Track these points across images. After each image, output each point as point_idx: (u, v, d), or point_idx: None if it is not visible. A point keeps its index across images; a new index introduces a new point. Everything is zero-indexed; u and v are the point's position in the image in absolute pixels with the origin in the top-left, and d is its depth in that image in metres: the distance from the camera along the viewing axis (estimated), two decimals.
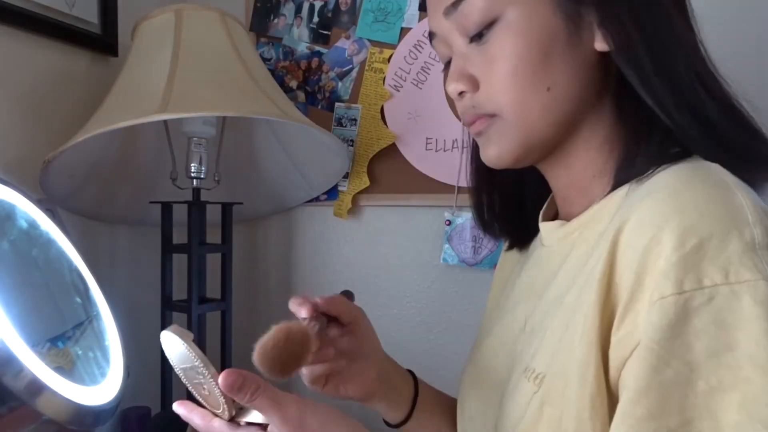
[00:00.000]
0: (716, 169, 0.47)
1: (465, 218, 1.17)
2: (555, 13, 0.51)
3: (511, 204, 0.67)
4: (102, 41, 1.14)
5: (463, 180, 1.18)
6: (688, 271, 0.41)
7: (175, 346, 0.50)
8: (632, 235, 0.44)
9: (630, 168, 0.51)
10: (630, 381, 0.42)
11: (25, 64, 1.00)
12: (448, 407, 0.73)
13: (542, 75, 0.52)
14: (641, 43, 0.49)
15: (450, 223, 1.18)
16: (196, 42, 1.02)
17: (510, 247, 0.71)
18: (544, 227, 0.61)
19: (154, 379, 1.12)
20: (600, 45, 0.51)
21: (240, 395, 0.47)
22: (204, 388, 0.49)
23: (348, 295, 0.70)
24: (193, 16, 1.04)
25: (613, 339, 0.44)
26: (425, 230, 1.22)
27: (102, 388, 0.59)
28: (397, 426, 0.72)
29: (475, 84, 0.55)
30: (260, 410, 0.48)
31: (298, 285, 1.34)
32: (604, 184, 0.55)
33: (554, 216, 0.63)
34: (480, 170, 0.67)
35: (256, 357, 0.50)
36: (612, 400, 0.44)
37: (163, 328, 1.12)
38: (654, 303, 0.41)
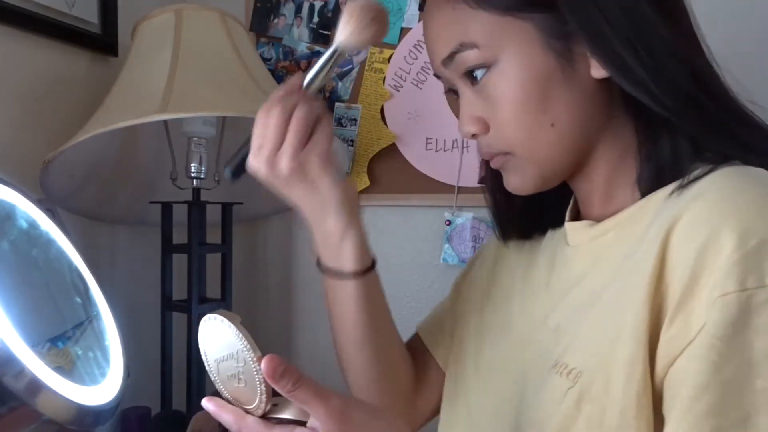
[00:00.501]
0: (765, 172, 0.48)
1: (465, 218, 1.17)
2: (546, 52, 0.53)
3: (533, 202, 0.66)
4: (102, 41, 1.14)
5: (464, 180, 1.18)
6: (750, 270, 0.41)
7: (218, 331, 0.47)
8: (686, 234, 0.45)
9: (659, 172, 0.53)
10: (689, 377, 0.42)
11: (25, 64, 1.00)
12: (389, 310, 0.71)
13: (544, 113, 0.53)
14: (635, 62, 0.50)
15: (450, 223, 1.18)
16: (196, 42, 1.02)
17: (506, 240, 0.70)
18: (572, 227, 0.61)
19: (154, 379, 1.12)
20: (596, 72, 0.53)
21: (282, 383, 0.44)
22: (240, 379, 0.47)
23: None
24: (193, 16, 1.04)
25: (664, 336, 0.45)
26: (425, 230, 1.22)
27: (102, 388, 0.59)
28: (359, 273, 0.64)
29: (485, 126, 0.57)
30: (303, 402, 0.45)
31: (298, 285, 1.34)
32: (629, 190, 0.56)
33: (576, 215, 0.63)
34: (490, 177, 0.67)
35: None
36: (656, 397, 0.45)
37: (163, 328, 1.13)
38: (715, 300, 0.42)
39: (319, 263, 0.66)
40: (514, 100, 0.54)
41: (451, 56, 0.56)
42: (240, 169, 0.61)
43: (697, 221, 0.45)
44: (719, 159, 0.50)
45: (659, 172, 0.53)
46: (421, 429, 0.76)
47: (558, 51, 0.52)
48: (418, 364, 0.75)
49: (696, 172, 0.49)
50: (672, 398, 0.44)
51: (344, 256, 0.63)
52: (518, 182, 0.58)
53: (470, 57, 0.54)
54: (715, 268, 0.42)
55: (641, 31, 0.51)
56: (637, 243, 0.50)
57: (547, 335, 0.57)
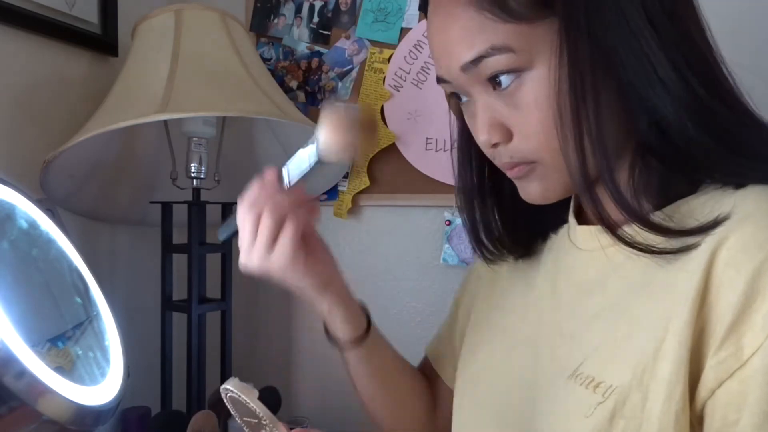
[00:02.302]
0: None
1: None
2: (582, 58, 0.50)
3: (517, 213, 0.65)
4: (102, 41, 1.14)
5: None
6: None
7: (237, 401, 0.52)
8: (736, 256, 0.44)
9: (675, 184, 0.52)
10: (748, 405, 0.43)
11: (25, 64, 1.00)
12: (399, 357, 0.76)
13: (578, 121, 0.51)
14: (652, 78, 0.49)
15: (450, 223, 1.18)
16: (196, 42, 1.02)
17: (489, 261, 0.68)
18: (583, 231, 0.59)
19: (154, 379, 1.12)
20: (614, 82, 0.51)
21: None
22: None
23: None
24: (193, 16, 1.04)
25: (712, 360, 0.44)
26: (425, 230, 1.22)
27: (102, 388, 0.59)
28: (353, 343, 0.70)
29: (508, 134, 0.54)
30: None
31: None
32: (649, 199, 0.54)
33: (578, 216, 0.62)
34: (478, 185, 0.65)
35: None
36: (694, 417, 0.45)
37: (163, 328, 1.13)
38: None
39: (326, 335, 0.73)
40: (549, 107, 0.51)
41: (477, 60, 0.52)
42: (230, 237, 0.70)
43: (748, 244, 0.44)
44: (736, 175, 0.49)
45: (675, 183, 0.52)
46: None
47: (590, 58, 0.51)
48: (432, 385, 0.78)
49: (725, 189, 0.49)
50: (722, 420, 0.44)
51: (336, 332, 0.70)
52: (540, 191, 0.56)
53: (501, 62, 0.52)
54: None
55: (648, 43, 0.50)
56: (671, 257, 0.49)
57: (561, 342, 0.56)
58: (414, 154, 1.21)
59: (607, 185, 0.52)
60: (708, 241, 0.46)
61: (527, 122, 0.53)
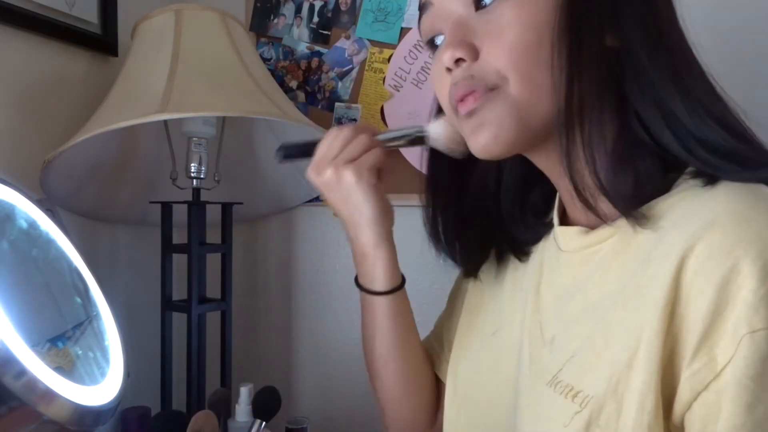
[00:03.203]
0: None
1: None
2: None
3: (491, 214, 0.66)
4: (102, 41, 1.14)
5: None
6: None
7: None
8: (704, 264, 0.43)
9: (650, 182, 0.50)
10: (723, 418, 0.41)
11: (25, 64, 1.00)
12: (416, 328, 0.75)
13: (550, 52, 0.49)
14: (647, 44, 0.49)
15: None
16: (196, 42, 1.02)
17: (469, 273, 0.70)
18: (562, 231, 0.58)
19: (154, 379, 1.12)
20: (610, 41, 0.50)
21: None
22: None
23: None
24: (193, 16, 1.04)
25: (687, 371, 0.43)
26: (425, 230, 1.22)
27: (102, 388, 0.59)
28: (387, 292, 0.70)
29: (475, 52, 0.51)
30: None
31: (298, 285, 1.34)
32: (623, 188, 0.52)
33: (562, 217, 0.60)
34: (445, 183, 0.68)
35: None
36: (674, 429, 0.44)
37: (163, 328, 1.14)
38: (742, 337, 0.41)
39: (356, 279, 0.71)
40: (530, 27, 0.49)
41: None
42: (291, 155, 0.69)
43: (716, 251, 0.42)
44: (709, 172, 0.48)
45: (645, 181, 0.50)
46: None
47: (584, 3, 0.49)
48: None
49: (697, 188, 0.48)
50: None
51: (374, 276, 0.69)
52: (492, 133, 0.51)
53: None
54: (739, 303, 0.41)
55: (659, 17, 0.50)
56: (642, 261, 0.48)
57: (541, 346, 0.55)
58: (414, 154, 1.21)
59: (582, 136, 0.50)
60: (677, 247, 0.44)
61: (502, 40, 0.50)
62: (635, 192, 0.50)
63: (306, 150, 0.67)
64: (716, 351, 0.42)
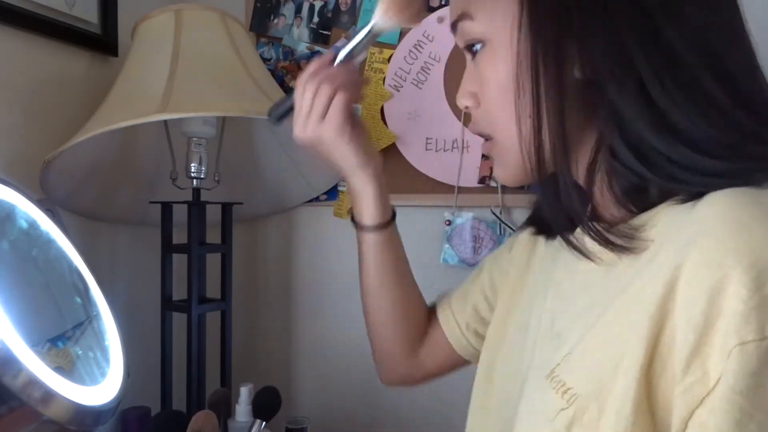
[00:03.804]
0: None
1: (465, 218, 1.17)
2: (536, 41, 0.50)
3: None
4: (102, 41, 1.14)
5: (463, 180, 1.18)
6: (767, 316, 0.39)
7: None
8: (696, 273, 0.42)
9: (647, 186, 0.50)
10: None
11: (25, 64, 1.00)
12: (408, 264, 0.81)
13: (524, 103, 0.51)
14: (613, 76, 0.48)
15: (450, 223, 1.18)
16: (196, 42, 1.02)
17: (539, 232, 0.69)
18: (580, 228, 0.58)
19: (154, 379, 1.12)
20: (578, 73, 0.50)
21: None
22: None
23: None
24: (193, 16, 1.04)
25: (679, 387, 0.41)
26: (425, 230, 1.22)
27: (102, 388, 0.59)
28: (377, 227, 0.75)
29: (477, 100, 0.57)
30: None
31: (298, 285, 1.34)
32: (616, 201, 0.53)
33: None
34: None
35: None
36: None
37: (163, 328, 1.14)
38: (732, 349, 0.39)
39: (352, 217, 0.78)
40: (497, 83, 0.53)
41: (455, 24, 0.56)
42: (282, 114, 0.74)
43: (709, 260, 0.41)
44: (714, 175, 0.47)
45: (648, 185, 0.50)
46: None
47: (547, 42, 0.50)
48: (430, 320, 0.82)
49: (692, 191, 0.47)
50: None
51: (363, 212, 0.75)
52: (502, 173, 0.57)
53: (467, 29, 0.55)
54: (729, 314, 0.40)
55: (633, 43, 0.49)
56: (641, 267, 0.47)
57: (549, 339, 0.56)
58: (414, 154, 1.21)
59: (562, 178, 0.51)
60: (672, 256, 0.44)
61: (485, 93, 0.55)
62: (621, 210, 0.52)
63: (292, 106, 0.72)
64: (708, 365, 0.40)
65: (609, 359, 0.46)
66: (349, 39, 0.70)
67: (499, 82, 0.53)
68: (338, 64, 0.69)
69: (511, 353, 0.65)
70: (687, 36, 0.48)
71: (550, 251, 0.66)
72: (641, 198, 0.50)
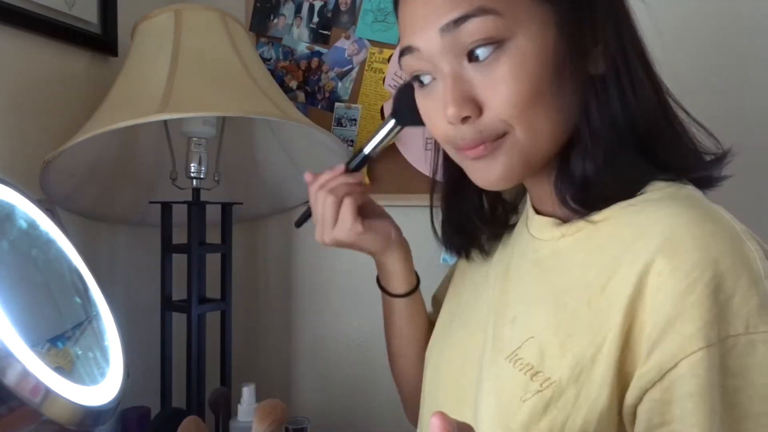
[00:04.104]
0: (721, 211, 0.51)
1: None
2: (561, 38, 0.53)
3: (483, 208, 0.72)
4: (102, 41, 1.14)
5: None
6: (721, 323, 0.46)
7: None
8: (665, 280, 0.48)
9: (606, 186, 0.55)
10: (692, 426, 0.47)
11: (24, 64, 1.00)
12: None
13: (553, 97, 0.53)
14: (634, 65, 0.55)
15: None
16: (196, 42, 1.02)
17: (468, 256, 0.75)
18: (540, 220, 0.62)
19: (154, 379, 1.12)
20: (594, 68, 0.54)
21: None
22: None
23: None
24: (193, 16, 1.04)
25: (638, 372, 0.49)
26: (425, 230, 1.21)
27: (102, 389, 0.59)
28: (404, 295, 0.80)
29: (479, 108, 0.53)
30: None
31: (298, 285, 1.34)
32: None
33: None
34: (454, 187, 0.72)
35: None
36: (620, 420, 0.51)
37: (163, 328, 1.14)
38: (694, 351, 0.46)
39: (378, 280, 0.82)
40: (528, 78, 0.51)
41: (461, 21, 0.51)
42: (303, 222, 0.85)
43: (676, 270, 0.47)
44: (673, 176, 0.55)
45: (607, 186, 0.55)
46: None
47: (572, 39, 0.53)
48: None
49: (649, 194, 0.54)
50: (647, 423, 0.49)
51: (391, 283, 0.80)
52: (501, 171, 0.55)
53: (486, 26, 0.50)
54: (689, 319, 0.47)
55: (635, 40, 0.56)
56: (607, 263, 0.52)
57: (503, 324, 0.60)
58: (414, 154, 1.21)
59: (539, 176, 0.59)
60: (641, 259, 0.49)
61: (502, 92, 0.52)
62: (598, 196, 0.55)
63: (309, 213, 0.80)
64: (664, 357, 0.47)
65: (586, 350, 0.51)
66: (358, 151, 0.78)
67: (528, 79, 0.51)
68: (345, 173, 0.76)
69: (459, 341, 0.69)
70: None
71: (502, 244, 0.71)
72: (590, 196, 0.56)
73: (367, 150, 0.77)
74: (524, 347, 0.55)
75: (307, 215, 0.81)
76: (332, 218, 0.73)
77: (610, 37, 0.54)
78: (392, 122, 0.75)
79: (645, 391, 0.49)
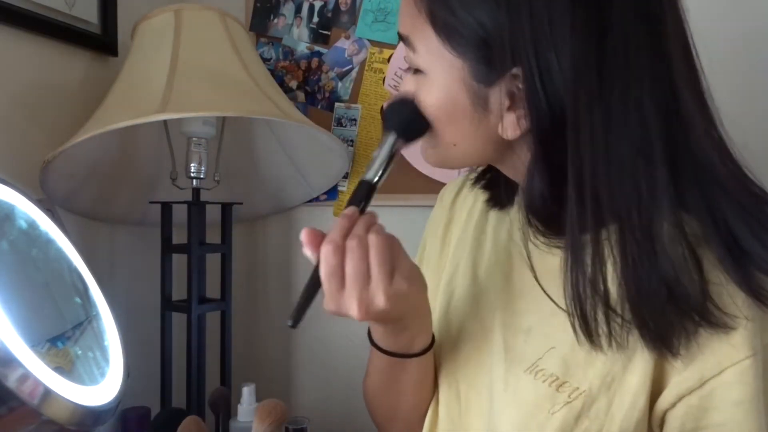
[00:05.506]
0: None
1: None
2: (466, 91, 0.53)
3: None
4: (102, 41, 1.14)
5: None
6: (764, 331, 0.49)
7: None
8: None
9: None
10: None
11: (24, 64, 1.00)
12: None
13: (449, 135, 0.56)
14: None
15: None
16: (195, 42, 1.02)
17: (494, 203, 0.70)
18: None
19: (154, 379, 1.12)
20: (507, 132, 0.53)
21: None
22: None
23: None
24: (192, 16, 1.04)
25: (675, 378, 0.50)
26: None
27: (102, 388, 0.59)
28: (421, 353, 0.63)
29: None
30: None
31: (298, 285, 1.34)
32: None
33: None
34: None
35: None
36: (654, 423, 0.52)
37: (163, 328, 1.14)
38: (746, 358, 0.48)
39: (376, 344, 0.64)
40: (427, 110, 0.56)
41: (403, 39, 0.58)
42: (300, 316, 0.60)
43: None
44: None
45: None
46: None
47: (476, 96, 0.53)
48: None
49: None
50: (680, 428, 0.51)
51: (415, 342, 0.63)
52: (433, 160, 0.63)
53: (409, 53, 0.57)
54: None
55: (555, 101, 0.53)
56: None
57: (514, 335, 0.59)
58: (414, 154, 1.21)
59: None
60: None
61: (422, 105, 0.56)
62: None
63: (307, 299, 0.61)
64: (706, 365, 0.49)
65: (616, 360, 0.51)
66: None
67: (428, 112, 0.56)
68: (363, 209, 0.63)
69: (472, 343, 0.64)
70: None
71: (503, 245, 0.67)
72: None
73: (375, 178, 0.62)
74: (545, 358, 0.55)
75: (306, 301, 0.61)
76: (388, 266, 0.54)
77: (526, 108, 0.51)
78: (393, 137, 0.60)
79: (681, 398, 0.50)
